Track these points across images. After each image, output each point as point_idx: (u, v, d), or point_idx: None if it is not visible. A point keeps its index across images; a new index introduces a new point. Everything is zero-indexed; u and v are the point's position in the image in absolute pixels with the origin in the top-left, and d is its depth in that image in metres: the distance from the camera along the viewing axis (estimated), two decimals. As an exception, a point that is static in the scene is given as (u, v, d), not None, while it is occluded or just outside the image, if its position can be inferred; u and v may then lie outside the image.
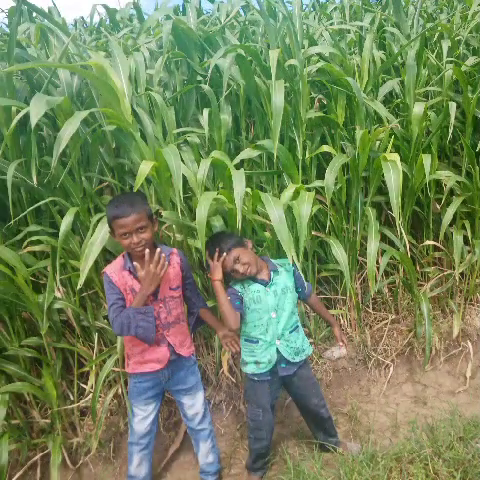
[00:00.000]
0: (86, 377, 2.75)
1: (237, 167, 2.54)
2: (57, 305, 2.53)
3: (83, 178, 2.61)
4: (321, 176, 2.82)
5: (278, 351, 2.28)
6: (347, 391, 3.15)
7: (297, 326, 2.37)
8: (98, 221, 2.39)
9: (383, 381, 3.19)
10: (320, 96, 3.09)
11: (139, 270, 2.08)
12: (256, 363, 2.30)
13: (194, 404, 2.38)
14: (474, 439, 2.53)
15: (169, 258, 2.22)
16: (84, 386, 2.74)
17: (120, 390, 2.79)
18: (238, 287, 2.31)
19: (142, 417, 2.30)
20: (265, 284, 2.29)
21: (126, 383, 2.87)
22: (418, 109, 2.95)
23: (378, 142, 2.99)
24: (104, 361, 2.64)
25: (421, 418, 2.89)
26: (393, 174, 2.57)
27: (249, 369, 2.33)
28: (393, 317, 3.35)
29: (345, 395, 3.12)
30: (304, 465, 2.45)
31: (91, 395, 2.62)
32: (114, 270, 2.17)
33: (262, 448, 2.43)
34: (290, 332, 2.31)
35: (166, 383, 2.32)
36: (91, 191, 2.65)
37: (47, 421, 2.66)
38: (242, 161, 2.98)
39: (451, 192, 3.29)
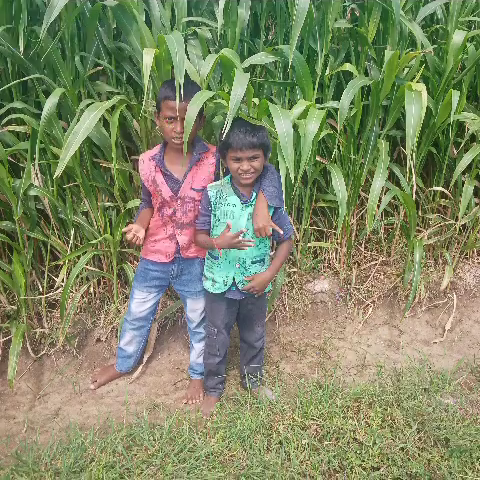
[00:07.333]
0: (58, 271, 2.66)
1: (248, 73, 2.27)
2: (33, 192, 2.39)
3: (76, 58, 2.36)
4: (339, 98, 2.50)
5: (234, 274, 2.14)
6: (322, 325, 3.11)
7: (262, 259, 2.18)
8: (87, 106, 2.12)
9: (359, 320, 3.14)
10: (353, 6, 2.75)
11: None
12: (212, 281, 2.18)
13: (196, 309, 2.41)
14: (439, 393, 2.51)
15: (201, 156, 2.13)
16: (55, 279, 2.67)
17: (92, 289, 2.73)
18: (213, 192, 2.09)
19: (140, 301, 2.38)
20: (244, 202, 2.07)
21: (99, 282, 2.82)
22: (458, 38, 2.62)
23: (406, 70, 2.69)
24: (78, 257, 2.54)
25: (390, 362, 2.86)
26: (415, 105, 2.32)
27: (206, 285, 2.23)
28: (384, 259, 3.23)
29: (319, 328, 3.08)
30: (262, 391, 2.45)
31: (61, 289, 2.55)
32: (147, 156, 2.18)
33: (214, 364, 2.39)
34: (252, 262, 2.13)
35: (173, 279, 2.35)
36: (84, 74, 2.40)
37: (14, 307, 2.62)
38: (254, 68, 2.71)
39: (472, 138, 3.04)
